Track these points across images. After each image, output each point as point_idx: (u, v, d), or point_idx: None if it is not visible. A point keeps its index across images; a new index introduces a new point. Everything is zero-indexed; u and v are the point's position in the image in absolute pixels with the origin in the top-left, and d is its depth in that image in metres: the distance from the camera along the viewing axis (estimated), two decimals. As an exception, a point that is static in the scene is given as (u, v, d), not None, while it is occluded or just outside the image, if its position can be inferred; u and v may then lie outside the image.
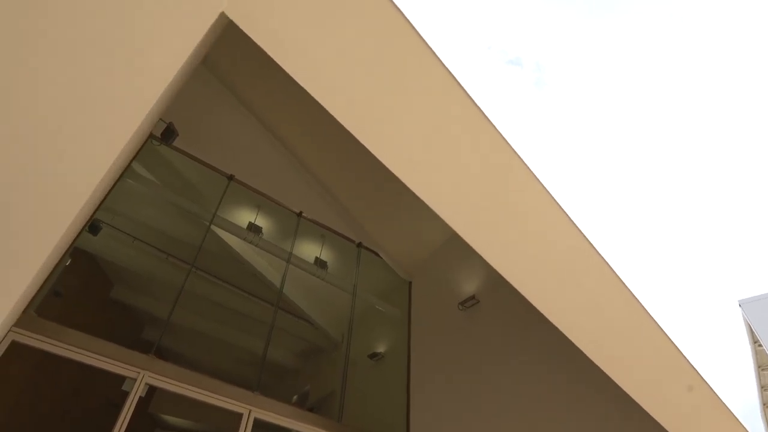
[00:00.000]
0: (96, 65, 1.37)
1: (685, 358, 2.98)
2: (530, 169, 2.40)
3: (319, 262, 6.25)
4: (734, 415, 3.14)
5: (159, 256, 5.71)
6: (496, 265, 2.29)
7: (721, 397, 3.09)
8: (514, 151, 2.26)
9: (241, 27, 1.29)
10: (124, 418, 3.79)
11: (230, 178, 5.80)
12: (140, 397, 4.07)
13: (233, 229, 5.76)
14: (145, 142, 4.78)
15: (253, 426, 4.54)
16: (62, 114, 1.39)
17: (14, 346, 3.67)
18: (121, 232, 5.38)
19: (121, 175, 4.79)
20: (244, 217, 5.97)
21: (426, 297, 6.12)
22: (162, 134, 5.13)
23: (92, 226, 4.84)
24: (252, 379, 5.04)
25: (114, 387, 4.06)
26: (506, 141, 2.30)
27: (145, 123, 1.66)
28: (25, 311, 3.75)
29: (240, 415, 4.57)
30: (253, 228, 5.85)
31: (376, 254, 6.46)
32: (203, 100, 5.05)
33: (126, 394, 4.04)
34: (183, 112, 4.59)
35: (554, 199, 2.51)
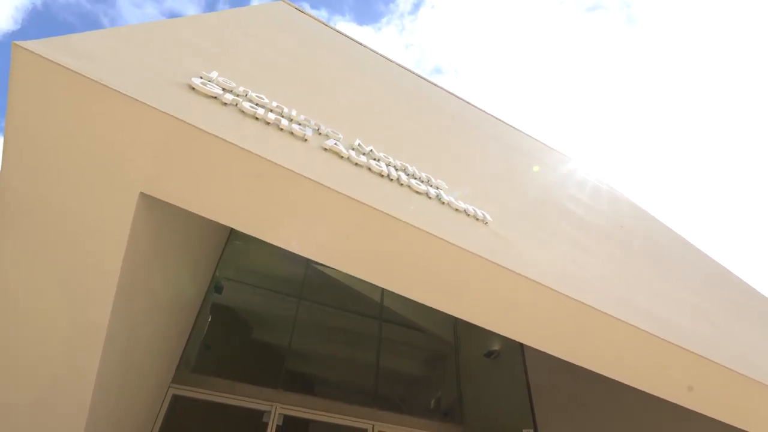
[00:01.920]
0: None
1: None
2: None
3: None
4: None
5: (278, 296, 6.47)
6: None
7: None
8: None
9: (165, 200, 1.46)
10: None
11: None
12: (278, 425, 4.71)
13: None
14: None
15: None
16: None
17: (175, 399, 4.55)
18: (241, 283, 6.23)
19: (228, 239, 5.61)
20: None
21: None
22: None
23: (216, 287, 5.70)
24: (383, 393, 5.45)
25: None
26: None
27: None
28: (178, 367, 4.63)
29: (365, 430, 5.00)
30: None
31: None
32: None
33: (266, 426, 4.71)
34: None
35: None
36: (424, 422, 5.44)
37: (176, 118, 1.24)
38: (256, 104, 1.64)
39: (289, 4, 5.12)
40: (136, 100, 1.20)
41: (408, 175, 1.83)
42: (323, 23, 5.48)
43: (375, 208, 1.43)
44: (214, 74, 1.64)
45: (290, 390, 5.25)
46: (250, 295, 6.39)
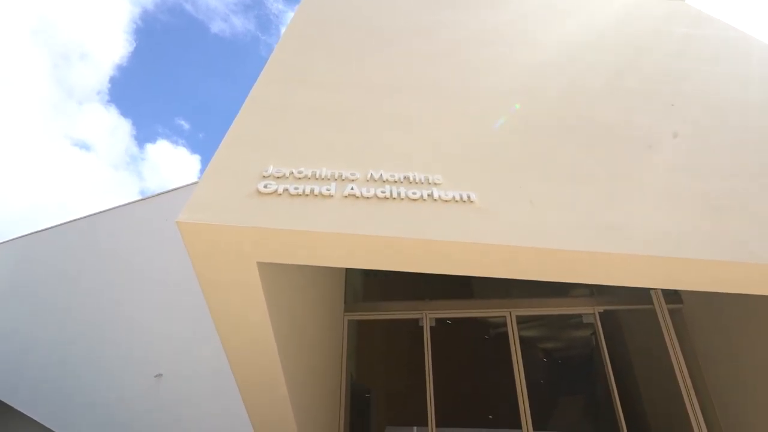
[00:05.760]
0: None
1: None
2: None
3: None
4: None
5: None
6: None
7: None
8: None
9: (276, 261, 2.56)
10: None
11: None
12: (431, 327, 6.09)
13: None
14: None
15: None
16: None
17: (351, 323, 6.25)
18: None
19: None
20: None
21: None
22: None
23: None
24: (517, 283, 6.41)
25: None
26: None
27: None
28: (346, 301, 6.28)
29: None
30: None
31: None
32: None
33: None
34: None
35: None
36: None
37: (261, 228, 2.27)
38: (299, 178, 2.56)
39: None
40: (231, 226, 2.26)
41: (409, 184, 2.59)
42: None
43: (380, 236, 2.29)
44: (270, 169, 2.60)
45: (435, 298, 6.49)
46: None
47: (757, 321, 4.98)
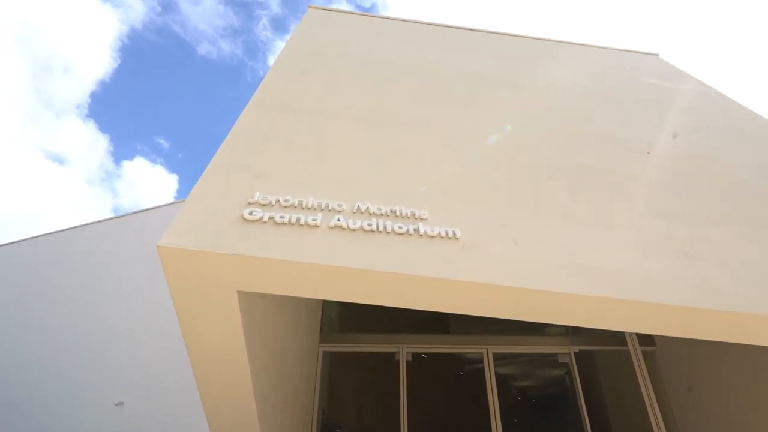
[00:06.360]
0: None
1: None
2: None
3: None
4: None
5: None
6: None
7: None
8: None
9: (257, 290, 2.49)
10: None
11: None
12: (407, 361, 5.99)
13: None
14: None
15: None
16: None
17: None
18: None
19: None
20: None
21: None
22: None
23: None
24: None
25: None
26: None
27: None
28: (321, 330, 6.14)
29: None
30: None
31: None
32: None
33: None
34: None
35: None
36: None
37: (245, 256, 2.23)
38: (285, 206, 2.55)
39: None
40: (214, 252, 2.21)
41: (395, 218, 2.60)
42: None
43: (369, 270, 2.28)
44: (256, 196, 2.58)
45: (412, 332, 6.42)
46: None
47: (728, 362, 5.08)
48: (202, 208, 2.48)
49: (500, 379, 6.00)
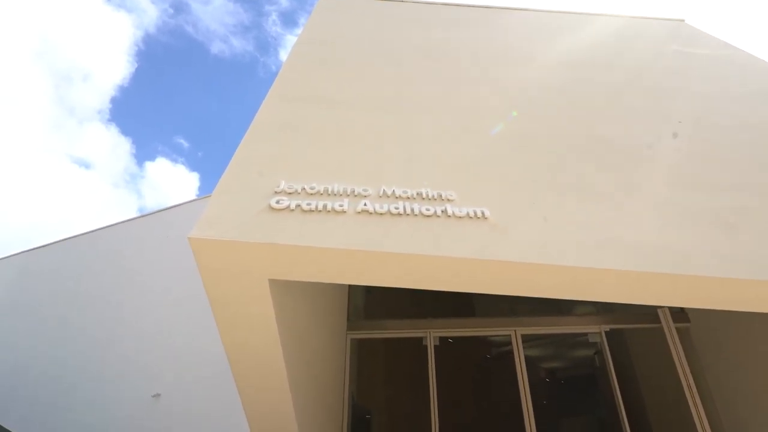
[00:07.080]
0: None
1: None
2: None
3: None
4: None
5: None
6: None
7: None
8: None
9: (288, 278, 2.50)
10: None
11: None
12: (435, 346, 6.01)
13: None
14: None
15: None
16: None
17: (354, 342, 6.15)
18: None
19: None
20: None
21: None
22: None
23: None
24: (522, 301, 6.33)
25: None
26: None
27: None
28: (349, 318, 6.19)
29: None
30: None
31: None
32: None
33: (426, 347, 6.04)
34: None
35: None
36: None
37: (274, 244, 2.24)
38: (311, 194, 2.55)
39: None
40: (244, 242, 2.23)
41: (422, 200, 2.57)
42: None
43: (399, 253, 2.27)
44: (282, 185, 2.58)
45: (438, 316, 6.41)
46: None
47: (765, 338, 4.93)
48: (229, 199, 2.49)
49: (530, 360, 5.96)
